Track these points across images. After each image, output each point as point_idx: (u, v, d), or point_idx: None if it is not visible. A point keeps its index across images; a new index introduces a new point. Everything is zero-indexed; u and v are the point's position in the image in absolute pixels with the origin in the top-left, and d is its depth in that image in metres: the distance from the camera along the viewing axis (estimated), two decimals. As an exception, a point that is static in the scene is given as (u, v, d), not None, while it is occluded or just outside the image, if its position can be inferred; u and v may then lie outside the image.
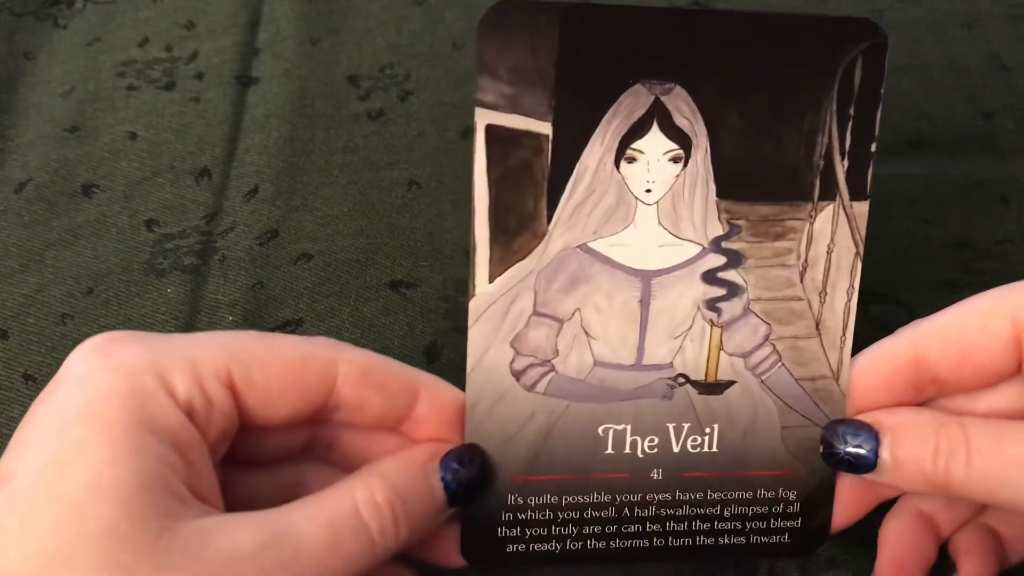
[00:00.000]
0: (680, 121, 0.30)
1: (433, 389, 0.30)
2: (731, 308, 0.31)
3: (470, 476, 0.30)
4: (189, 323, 0.42)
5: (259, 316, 0.42)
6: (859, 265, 0.32)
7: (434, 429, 0.30)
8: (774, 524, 0.32)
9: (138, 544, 0.24)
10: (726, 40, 0.30)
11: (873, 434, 0.30)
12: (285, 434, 0.30)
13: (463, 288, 0.43)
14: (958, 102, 0.50)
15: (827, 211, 0.31)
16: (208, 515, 0.26)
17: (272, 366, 0.28)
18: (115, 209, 0.46)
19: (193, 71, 0.52)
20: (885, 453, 0.30)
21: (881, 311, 0.41)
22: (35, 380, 0.40)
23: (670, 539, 0.32)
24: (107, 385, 0.26)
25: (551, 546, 0.32)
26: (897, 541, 0.32)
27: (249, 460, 0.30)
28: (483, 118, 0.29)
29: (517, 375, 0.31)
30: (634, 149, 0.30)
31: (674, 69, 0.30)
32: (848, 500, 0.32)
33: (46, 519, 0.24)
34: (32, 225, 0.46)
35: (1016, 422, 0.29)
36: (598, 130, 0.30)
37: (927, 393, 0.31)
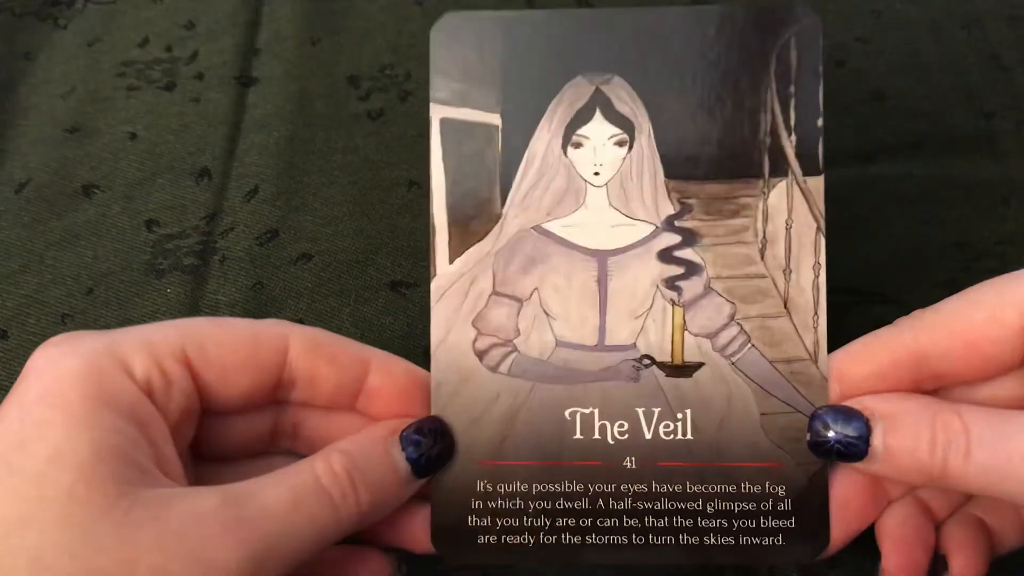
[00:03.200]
0: (621, 108, 0.32)
1: (383, 361, 0.31)
2: (691, 287, 0.32)
3: (431, 446, 0.31)
4: (189, 323, 0.42)
5: (259, 316, 0.42)
6: (822, 241, 0.32)
7: (390, 403, 0.31)
8: (764, 523, 0.32)
9: (98, 506, 0.25)
10: (660, 33, 0.32)
11: (864, 421, 0.29)
12: (249, 420, 0.31)
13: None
14: (958, 102, 0.50)
15: (780, 187, 0.32)
16: (169, 487, 0.27)
17: (226, 342, 0.29)
18: (115, 209, 0.46)
19: (193, 71, 0.52)
20: (877, 441, 0.29)
21: (881, 311, 0.41)
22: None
23: (650, 536, 0.32)
24: (65, 369, 0.27)
25: (524, 539, 0.32)
26: (900, 529, 0.31)
27: (219, 453, 0.31)
28: (437, 113, 0.33)
29: (480, 355, 0.32)
30: (579, 135, 0.32)
31: (613, 61, 0.32)
32: (856, 506, 0.31)
33: (7, 490, 0.25)
34: (32, 225, 0.46)
35: (1017, 412, 0.28)
36: (544, 119, 0.32)
37: (925, 387, 0.30)
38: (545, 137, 0.32)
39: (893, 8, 0.54)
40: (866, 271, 0.42)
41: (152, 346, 0.28)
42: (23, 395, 0.27)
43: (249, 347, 0.30)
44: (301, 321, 0.42)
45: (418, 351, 0.41)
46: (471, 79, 0.32)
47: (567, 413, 0.32)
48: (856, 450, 0.29)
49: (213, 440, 0.31)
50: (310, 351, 0.30)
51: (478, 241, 0.32)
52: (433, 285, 0.32)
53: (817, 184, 0.32)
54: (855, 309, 0.41)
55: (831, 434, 0.30)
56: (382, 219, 0.46)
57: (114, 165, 0.48)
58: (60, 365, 0.27)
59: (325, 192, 0.47)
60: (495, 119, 0.32)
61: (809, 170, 0.32)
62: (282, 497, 0.27)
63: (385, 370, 0.31)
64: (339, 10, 0.55)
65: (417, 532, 0.32)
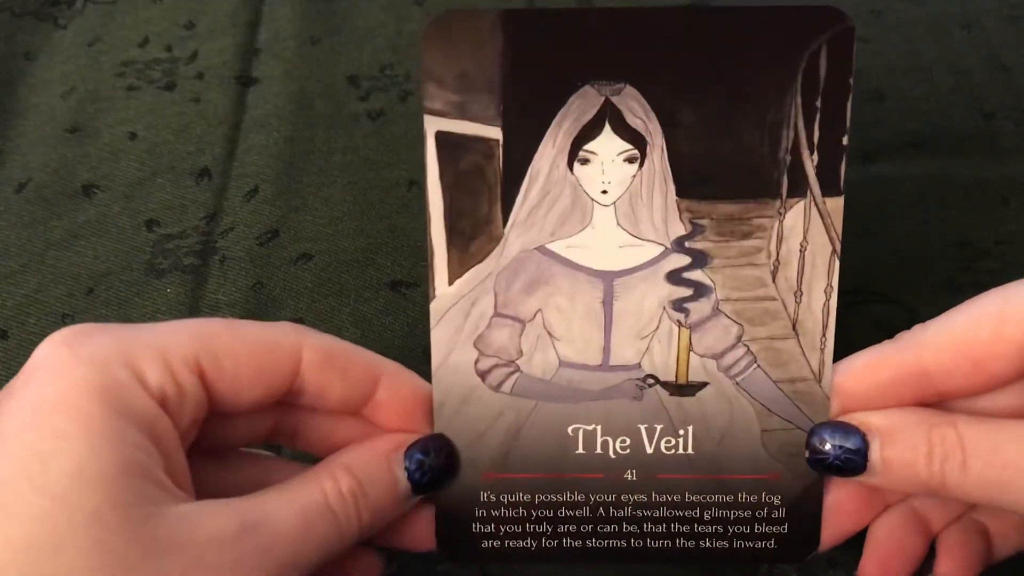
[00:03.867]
0: (633, 121, 0.30)
1: (394, 376, 0.31)
2: (699, 308, 0.31)
3: (434, 465, 0.31)
4: (189, 323, 0.42)
5: (259, 316, 0.42)
6: (836, 263, 0.31)
7: (395, 415, 0.31)
8: (758, 529, 0.32)
9: (126, 530, 0.25)
10: (677, 37, 0.29)
11: (861, 436, 0.30)
12: (251, 420, 0.31)
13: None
14: (958, 102, 0.50)
15: (798, 208, 0.31)
16: (185, 502, 0.26)
17: (240, 353, 0.29)
18: (115, 209, 0.46)
19: (193, 71, 0.52)
20: (875, 455, 0.29)
21: (881, 311, 0.41)
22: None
23: (648, 541, 0.32)
24: (81, 377, 0.26)
25: (526, 544, 0.32)
26: (885, 540, 0.31)
27: (217, 449, 0.31)
28: (432, 125, 0.30)
29: (482, 375, 0.31)
30: (587, 151, 0.30)
31: (624, 69, 0.30)
32: (849, 510, 0.32)
33: (32, 509, 0.24)
34: (32, 225, 0.46)
35: (1010, 422, 0.29)
36: (548, 133, 0.30)
37: (926, 401, 0.30)
38: (550, 153, 0.30)
39: (893, 8, 0.54)
40: (866, 271, 0.42)
41: (166, 355, 0.28)
42: (36, 401, 0.26)
43: (263, 359, 0.29)
44: (301, 320, 0.42)
45: (418, 351, 0.41)
46: (468, 88, 0.29)
47: (569, 429, 0.32)
48: (854, 465, 0.30)
49: (212, 437, 0.30)
50: (323, 364, 0.30)
51: (478, 263, 0.31)
52: (432, 307, 0.31)
53: (836, 205, 0.30)
54: (855, 309, 0.41)
55: (829, 448, 0.30)
56: (382, 219, 0.46)
57: (114, 165, 0.48)
58: (75, 372, 0.26)
59: (325, 192, 0.47)
60: (495, 133, 0.30)
61: (829, 190, 0.30)
62: (295, 521, 0.27)
63: (394, 386, 0.31)
64: (339, 10, 0.55)
65: (421, 531, 0.32)
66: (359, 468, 0.29)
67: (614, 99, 0.30)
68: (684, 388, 0.32)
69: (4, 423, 0.26)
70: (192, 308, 0.42)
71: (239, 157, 0.48)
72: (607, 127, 0.30)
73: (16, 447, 0.25)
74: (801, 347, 0.31)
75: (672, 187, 0.31)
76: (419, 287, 0.43)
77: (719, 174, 0.30)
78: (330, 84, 0.51)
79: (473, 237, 0.31)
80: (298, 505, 0.28)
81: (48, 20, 0.55)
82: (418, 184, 0.47)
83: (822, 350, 0.31)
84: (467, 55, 0.29)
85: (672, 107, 0.30)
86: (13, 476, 0.25)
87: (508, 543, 0.32)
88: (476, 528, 0.32)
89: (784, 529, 0.32)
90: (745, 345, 0.31)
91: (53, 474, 0.25)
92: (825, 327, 0.31)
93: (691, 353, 0.31)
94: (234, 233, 0.45)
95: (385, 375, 0.31)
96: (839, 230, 0.31)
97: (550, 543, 0.32)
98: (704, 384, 0.31)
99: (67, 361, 0.27)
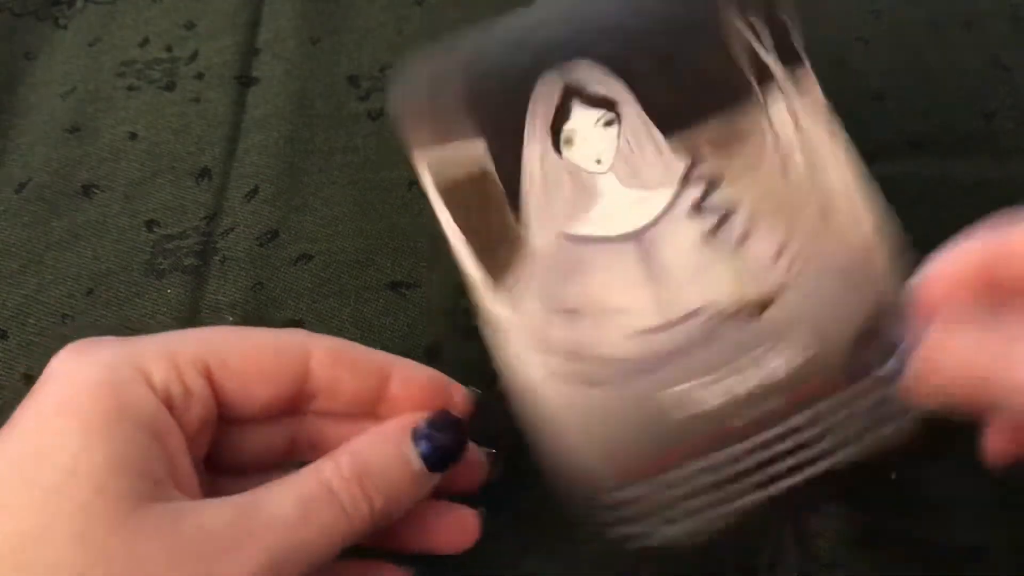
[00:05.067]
0: (597, 89, 0.31)
1: (405, 368, 0.31)
2: (733, 228, 0.31)
3: (445, 440, 0.30)
4: (189, 324, 0.42)
5: (259, 317, 0.42)
6: (835, 121, 0.31)
7: (410, 409, 0.31)
8: (882, 431, 0.31)
9: (111, 521, 0.25)
10: (608, 11, 0.31)
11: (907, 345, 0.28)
12: (267, 430, 0.31)
13: (463, 289, 0.43)
14: (958, 102, 0.49)
15: (775, 95, 0.31)
16: (182, 499, 0.26)
17: (247, 353, 0.29)
18: (115, 209, 0.46)
19: (193, 71, 0.52)
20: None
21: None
22: (35, 380, 0.40)
23: (780, 480, 0.31)
24: (84, 377, 0.27)
25: (680, 528, 0.31)
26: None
27: (235, 464, 0.31)
28: (422, 158, 0.32)
29: (558, 378, 0.31)
30: (567, 131, 0.31)
31: (576, 48, 0.31)
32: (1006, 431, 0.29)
33: (22, 502, 0.25)
34: (32, 225, 0.46)
35: None
36: (527, 127, 0.31)
37: (999, 297, 0.28)
38: (536, 146, 0.31)
39: (893, 8, 0.54)
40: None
41: (173, 356, 0.28)
42: (41, 402, 0.27)
43: (270, 358, 0.29)
44: (301, 321, 0.42)
45: (418, 351, 0.41)
46: (443, 115, 0.31)
47: (663, 398, 0.31)
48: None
49: (230, 451, 0.30)
50: (332, 361, 0.30)
51: (511, 269, 0.31)
52: (495, 332, 0.31)
53: (805, 72, 0.31)
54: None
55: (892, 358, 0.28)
56: (382, 219, 0.46)
57: (114, 165, 0.48)
58: (79, 374, 0.27)
59: (325, 192, 0.47)
60: (479, 145, 0.31)
61: (790, 62, 0.31)
62: (290, 507, 0.27)
63: (406, 377, 0.31)
64: (339, 10, 0.55)
65: (448, 534, 0.32)
66: (365, 450, 0.29)
67: (574, 76, 0.31)
68: (752, 311, 0.31)
69: (12, 427, 0.27)
70: (192, 309, 0.42)
71: (239, 157, 0.48)
72: (576, 103, 0.31)
73: (17, 447, 0.26)
74: (842, 226, 0.31)
75: (656, 131, 0.31)
76: (419, 288, 0.43)
77: (694, 100, 0.31)
78: (330, 84, 0.51)
79: (497, 248, 0.31)
80: (295, 492, 0.27)
81: (48, 20, 0.55)
82: (418, 184, 0.47)
83: (865, 219, 0.31)
84: (433, 90, 0.32)
85: (628, 63, 0.31)
86: (10, 474, 0.26)
87: (658, 534, 0.31)
88: (617, 531, 0.31)
89: (908, 424, 0.31)
90: (790, 247, 0.31)
91: (47, 470, 0.25)
92: (857, 192, 0.31)
93: (744, 273, 0.31)
94: (234, 233, 0.45)
95: (396, 367, 0.31)
96: (819, 93, 0.31)
97: (697, 519, 0.31)
98: (769, 301, 0.31)
99: (74, 366, 0.27)
